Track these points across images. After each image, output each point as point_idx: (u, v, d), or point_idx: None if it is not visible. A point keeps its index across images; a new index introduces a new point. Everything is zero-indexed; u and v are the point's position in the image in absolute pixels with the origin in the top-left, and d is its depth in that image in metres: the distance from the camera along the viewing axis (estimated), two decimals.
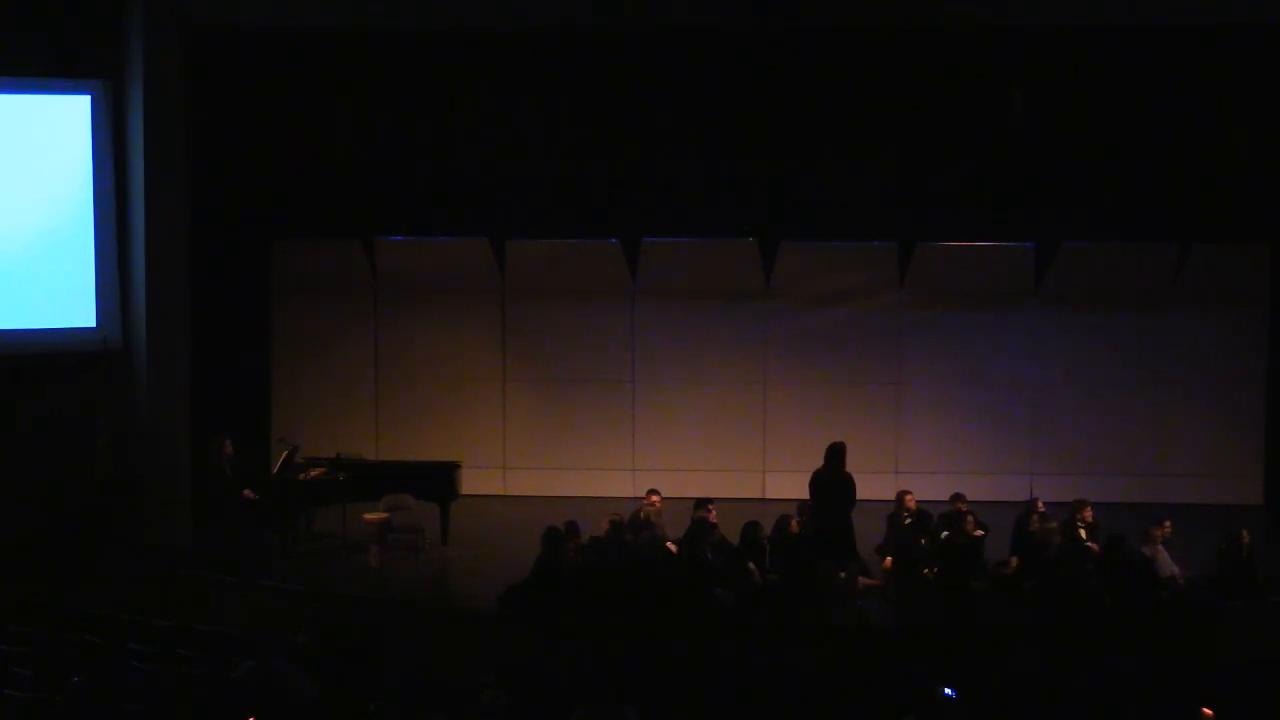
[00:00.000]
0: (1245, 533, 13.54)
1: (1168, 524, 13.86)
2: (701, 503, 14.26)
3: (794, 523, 13.76)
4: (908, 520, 14.37)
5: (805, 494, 14.58)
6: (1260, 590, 13.25)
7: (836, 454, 14.44)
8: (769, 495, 17.93)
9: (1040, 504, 14.39)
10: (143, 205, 15.87)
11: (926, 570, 13.64)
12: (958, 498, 14.37)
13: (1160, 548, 13.65)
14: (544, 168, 17.41)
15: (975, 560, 13.62)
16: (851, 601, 13.43)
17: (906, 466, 17.84)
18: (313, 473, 15.78)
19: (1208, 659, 12.08)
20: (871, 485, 15.43)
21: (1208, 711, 8.86)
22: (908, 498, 14.58)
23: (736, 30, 16.56)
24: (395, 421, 18.61)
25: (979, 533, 13.96)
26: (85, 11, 15.88)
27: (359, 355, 18.80)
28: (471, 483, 16.66)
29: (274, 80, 16.77)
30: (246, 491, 15.19)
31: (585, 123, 17.25)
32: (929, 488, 15.80)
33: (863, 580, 13.80)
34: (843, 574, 13.59)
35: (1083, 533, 14.01)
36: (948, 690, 8.91)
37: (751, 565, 13.50)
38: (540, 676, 10.89)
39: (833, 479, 14.35)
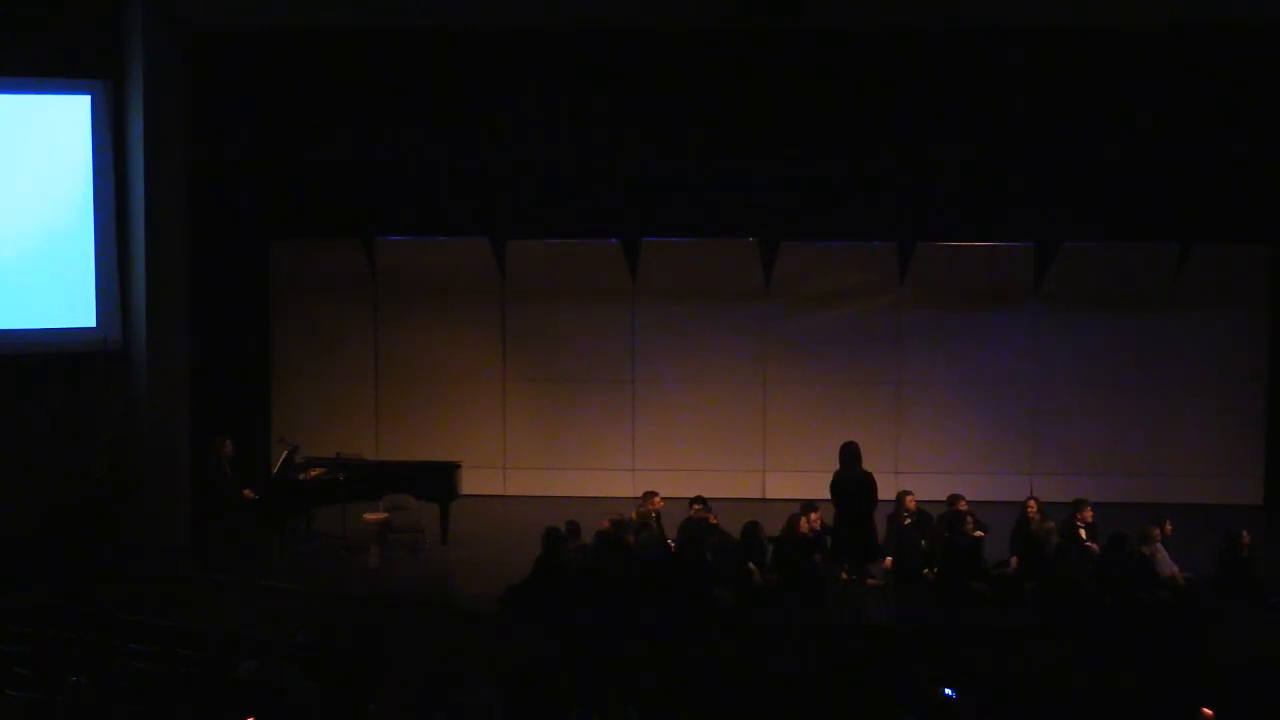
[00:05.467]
0: (1245, 533, 13.56)
1: (1168, 524, 13.88)
2: (698, 501, 14.28)
3: (803, 522, 13.71)
4: (908, 520, 14.37)
5: (805, 494, 14.56)
6: (1260, 590, 13.27)
7: (851, 454, 13.74)
8: (769, 495, 17.96)
9: (1038, 503, 14.40)
10: (143, 205, 15.84)
11: (926, 570, 13.65)
12: (958, 498, 14.38)
13: (1160, 547, 13.67)
14: (544, 168, 17.38)
15: (975, 560, 13.63)
16: (852, 601, 13.43)
17: (906, 466, 17.83)
18: (313, 473, 15.77)
19: (1208, 659, 12.08)
20: None
21: (1208, 711, 8.87)
22: (908, 498, 14.57)
23: (736, 30, 16.53)
24: (395, 421, 18.62)
25: (979, 533, 13.97)
26: (85, 11, 15.84)
27: (359, 355, 18.81)
28: (471, 483, 16.66)
29: (274, 80, 16.74)
30: (246, 491, 15.23)
31: (585, 123, 17.21)
32: (929, 488, 15.80)
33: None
34: (844, 575, 13.59)
35: (1083, 533, 14.04)
36: (948, 690, 8.92)
37: (751, 565, 13.50)
38: (540, 676, 10.89)
39: (851, 479, 13.70)
